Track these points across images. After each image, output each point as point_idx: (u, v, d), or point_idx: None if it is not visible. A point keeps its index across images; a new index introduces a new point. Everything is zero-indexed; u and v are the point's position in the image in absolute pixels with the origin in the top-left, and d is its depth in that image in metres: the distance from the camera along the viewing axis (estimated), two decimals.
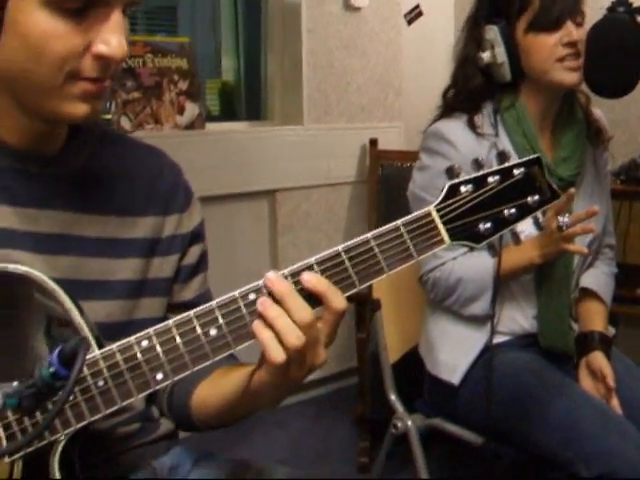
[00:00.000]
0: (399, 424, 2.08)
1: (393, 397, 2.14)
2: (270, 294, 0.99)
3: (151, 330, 1.01)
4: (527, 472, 2.10)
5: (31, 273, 1.04)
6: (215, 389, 1.18)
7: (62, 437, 1.01)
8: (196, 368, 1.02)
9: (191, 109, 3.11)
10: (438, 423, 2.05)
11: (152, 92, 3.03)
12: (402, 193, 2.09)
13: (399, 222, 1.07)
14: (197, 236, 1.33)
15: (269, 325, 0.98)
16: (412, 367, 2.14)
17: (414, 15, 3.73)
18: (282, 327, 0.97)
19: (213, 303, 1.02)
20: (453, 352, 1.97)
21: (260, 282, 1.03)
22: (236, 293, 1.02)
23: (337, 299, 1.00)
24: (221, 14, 3.75)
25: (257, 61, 3.54)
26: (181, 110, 3.09)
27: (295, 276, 1.02)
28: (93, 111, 1.08)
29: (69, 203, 1.17)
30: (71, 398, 0.99)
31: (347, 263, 1.04)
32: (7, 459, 1.01)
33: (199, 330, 1.01)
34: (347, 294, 1.04)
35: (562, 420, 1.76)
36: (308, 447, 3.08)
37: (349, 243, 1.05)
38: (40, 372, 0.79)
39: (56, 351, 0.78)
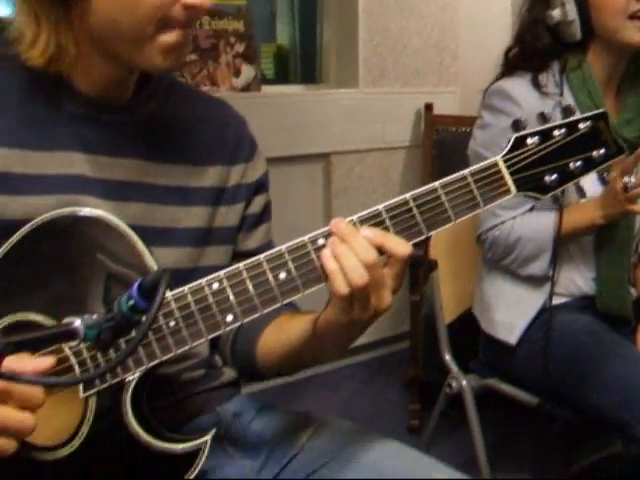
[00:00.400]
0: (454, 383, 2.09)
1: (448, 357, 2.14)
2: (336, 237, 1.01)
3: (222, 273, 1.03)
4: (582, 434, 2.09)
5: (104, 216, 1.07)
6: (280, 334, 1.20)
7: (134, 375, 1.04)
8: (265, 311, 1.04)
9: (247, 71, 3.11)
10: (493, 383, 2.05)
11: (209, 54, 3.04)
12: (457, 158, 2.09)
13: (466, 171, 1.08)
14: (261, 186, 1.35)
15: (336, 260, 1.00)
16: (466, 329, 2.14)
17: None
18: (346, 264, 0.99)
19: (283, 247, 1.04)
20: (510, 312, 1.96)
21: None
22: (305, 238, 1.04)
23: (399, 247, 1.01)
24: None
25: (312, 25, 3.52)
26: (237, 72, 3.10)
27: (363, 222, 1.03)
28: (179, 60, 1.12)
29: (139, 151, 1.20)
30: None
31: (415, 211, 1.05)
32: (82, 395, 1.04)
33: (269, 274, 1.03)
34: (414, 241, 1.05)
35: (620, 382, 1.75)
36: (359, 409, 3.10)
37: (417, 191, 1.06)
38: (119, 305, 0.80)
39: (136, 284, 0.79)
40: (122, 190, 1.17)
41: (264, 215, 1.36)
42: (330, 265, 1.00)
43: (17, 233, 1.06)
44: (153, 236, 1.17)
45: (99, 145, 1.17)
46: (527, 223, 1.88)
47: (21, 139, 1.11)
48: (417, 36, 3.51)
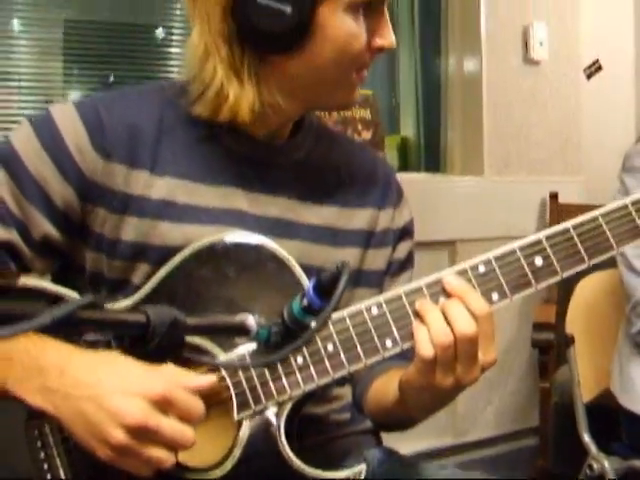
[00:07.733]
0: (595, 465, 1.98)
1: (587, 438, 2.04)
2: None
3: (381, 298, 1.03)
4: None
5: (267, 242, 1.09)
6: (382, 387, 1.22)
7: (289, 400, 1.02)
8: None
9: None
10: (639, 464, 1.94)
11: None
12: None
13: (627, 200, 1.06)
14: (407, 233, 1.36)
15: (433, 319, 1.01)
16: (602, 412, 2.05)
17: (593, 69, 3.66)
18: (455, 315, 1.00)
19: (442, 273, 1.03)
20: None
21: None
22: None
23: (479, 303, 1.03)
24: (399, 72, 3.80)
25: (436, 116, 3.56)
26: None
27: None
28: (358, 96, 1.20)
29: (294, 191, 1.23)
30: (300, 361, 1.00)
31: (576, 239, 1.03)
32: (236, 417, 1.02)
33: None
34: (577, 269, 1.05)
35: None
36: None
37: (577, 220, 1.05)
38: (290, 308, 0.80)
39: (312, 283, 0.79)
40: (278, 228, 1.19)
41: (408, 262, 1.36)
42: (418, 330, 1.01)
43: (178, 254, 1.08)
44: (306, 275, 1.17)
45: (259, 184, 1.20)
46: None
47: (186, 170, 1.16)
48: (540, 126, 3.50)
